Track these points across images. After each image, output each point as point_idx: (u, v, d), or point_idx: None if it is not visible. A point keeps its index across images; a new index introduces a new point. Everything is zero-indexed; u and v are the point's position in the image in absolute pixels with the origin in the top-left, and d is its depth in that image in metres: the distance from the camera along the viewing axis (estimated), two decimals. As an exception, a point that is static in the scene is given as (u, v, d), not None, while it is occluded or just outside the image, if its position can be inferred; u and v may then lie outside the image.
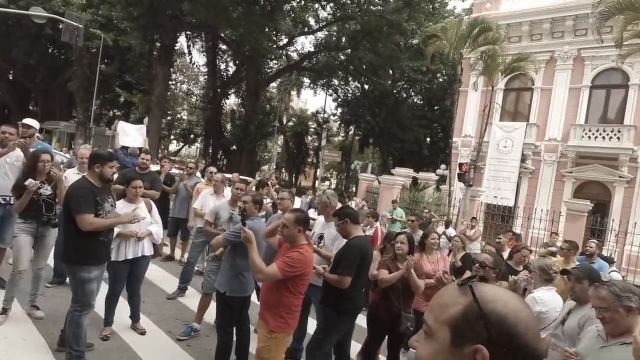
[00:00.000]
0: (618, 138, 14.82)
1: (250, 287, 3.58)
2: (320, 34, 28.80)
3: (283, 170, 45.14)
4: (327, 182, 46.27)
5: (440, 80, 30.03)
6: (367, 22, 22.09)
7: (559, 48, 16.36)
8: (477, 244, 8.02)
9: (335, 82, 32.99)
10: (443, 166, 20.59)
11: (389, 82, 29.81)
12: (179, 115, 39.74)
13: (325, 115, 36.29)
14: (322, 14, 27.35)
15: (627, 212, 13.94)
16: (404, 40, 24.07)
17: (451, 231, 9.24)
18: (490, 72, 13.51)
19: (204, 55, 31.87)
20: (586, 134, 15.46)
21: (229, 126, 34.82)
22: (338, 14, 25.57)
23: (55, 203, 4.04)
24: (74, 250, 3.30)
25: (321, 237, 3.91)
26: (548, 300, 3.18)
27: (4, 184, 4.22)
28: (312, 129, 41.95)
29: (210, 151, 32.04)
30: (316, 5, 26.12)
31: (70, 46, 19.78)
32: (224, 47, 30.73)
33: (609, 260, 6.86)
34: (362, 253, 3.20)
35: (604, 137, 15.10)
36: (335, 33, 27.81)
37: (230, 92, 33.12)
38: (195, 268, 5.81)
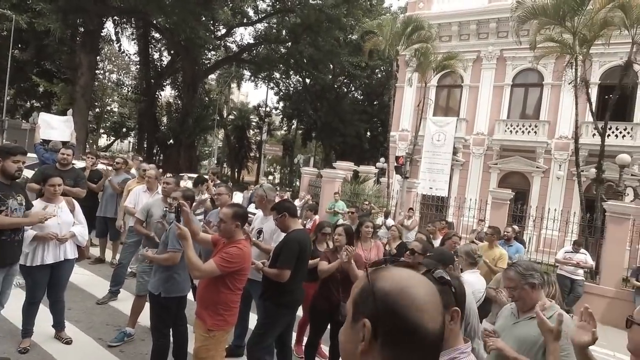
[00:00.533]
0: (535, 132, 16.34)
1: (187, 286, 3.46)
2: (259, 26, 28.31)
3: (225, 165, 44.00)
4: (270, 177, 45.87)
5: (379, 76, 30.97)
6: (307, 16, 22.12)
7: (484, 48, 17.60)
8: (413, 233, 8.44)
9: (277, 75, 32.72)
10: (382, 159, 21.32)
11: (330, 76, 30.17)
12: (108, 108, 37.02)
13: (267, 109, 35.91)
14: (262, 5, 26.92)
15: (543, 200, 15.48)
16: (344, 35, 24.48)
17: (390, 222, 9.63)
18: (423, 69, 14.19)
19: (134, 43, 29.90)
20: (508, 128, 16.86)
21: (165, 119, 33.17)
22: (277, 6, 25.31)
23: None
24: None
25: (260, 231, 3.88)
26: (473, 282, 3.44)
27: None
28: (254, 123, 41.31)
29: (145, 146, 30.28)
30: (255, -4, 25.65)
31: (-25, 28, 17.56)
32: (157, 35, 29.08)
33: (522, 243, 7.58)
34: (301, 246, 3.23)
35: (523, 132, 16.58)
36: (275, 25, 27.50)
37: (165, 84, 31.51)
38: (129, 269, 5.49)
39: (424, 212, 13.93)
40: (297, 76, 32.03)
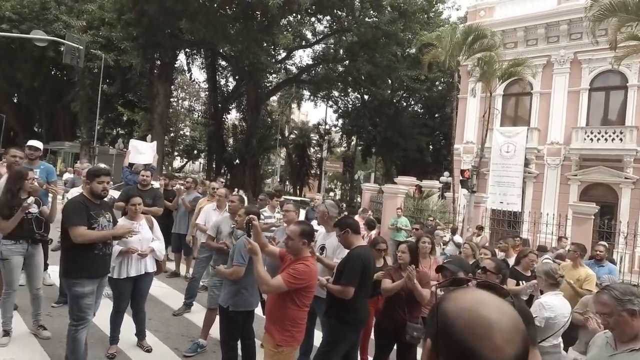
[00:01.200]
0: (621, 139, 14.77)
1: (255, 300, 3.57)
2: (317, 47, 29.14)
3: (287, 183, 45.22)
4: (331, 193, 46.25)
5: (440, 87, 30.19)
6: (363, 34, 22.36)
7: (555, 52, 16.45)
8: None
9: (335, 93, 33.26)
10: (446, 173, 20.56)
11: (388, 91, 30.01)
12: (181, 132, 40.06)
13: (327, 127, 36.50)
14: (319, 27, 27.75)
15: (636, 214, 13.80)
16: (401, 50, 24.31)
17: (458, 238, 9.19)
18: (487, 78, 13.59)
19: (204, 71, 32.26)
20: (588, 136, 15.43)
21: (231, 141, 35.03)
22: (334, 27, 25.90)
23: (44, 220, 4.06)
24: (68, 264, 3.36)
25: (323, 247, 3.91)
26: (556, 305, 3.14)
27: None
28: (314, 141, 42.17)
29: (214, 166, 32.18)
30: (312, 19, 26.50)
31: (73, 68, 20.11)
32: (223, 63, 31.10)
33: (613, 263, 6.72)
34: (364, 263, 3.19)
35: (606, 139, 15.06)
36: (332, 45, 28.13)
37: (231, 107, 33.41)
38: (201, 283, 5.80)
39: (494, 228, 13.12)
40: (356, 93, 32.28)
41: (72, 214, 3.29)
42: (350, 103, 35.08)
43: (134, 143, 7.74)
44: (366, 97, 31.29)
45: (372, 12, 22.69)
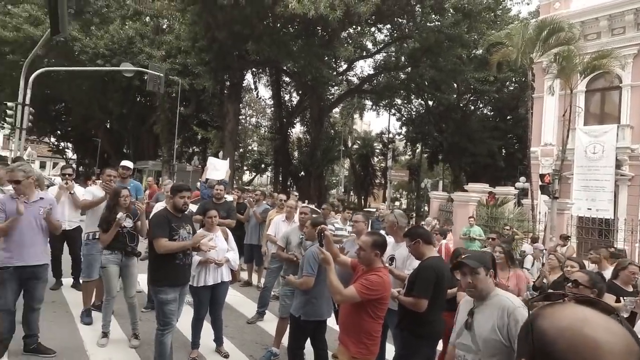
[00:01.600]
0: None
1: (326, 310, 3.59)
2: (378, 56, 29.04)
3: (351, 193, 45.23)
4: (396, 203, 45.29)
5: (511, 88, 28.42)
6: (425, 39, 21.85)
7: (649, 39, 14.70)
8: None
9: (398, 101, 32.77)
10: (522, 179, 19.13)
11: (454, 95, 28.88)
12: (249, 147, 42.10)
13: (390, 136, 36.03)
14: (379, 36, 27.66)
15: None
16: (467, 51, 23.33)
17: (539, 246, 8.48)
18: (567, 74, 12.50)
19: (269, 88, 33.70)
20: (695, 130, 13.48)
21: (296, 154, 36.02)
22: (395, 35, 25.65)
23: (136, 234, 4.46)
24: (153, 272, 3.66)
25: (392, 258, 3.83)
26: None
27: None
28: (377, 150, 41.84)
29: (280, 179, 33.25)
30: (372, 29, 26.51)
31: (154, 94, 22.15)
32: (287, 79, 32.25)
33: None
34: (438, 274, 3.06)
35: None
36: (393, 53, 27.85)
37: (295, 121, 34.40)
38: (272, 293, 5.97)
39: (581, 237, 11.91)
40: (419, 100, 31.53)
41: (156, 227, 3.61)
42: (414, 110, 34.33)
43: (211, 160, 8.27)
44: (430, 102, 30.39)
45: (433, 16, 22.14)
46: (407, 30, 23.83)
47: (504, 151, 30.37)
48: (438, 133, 31.11)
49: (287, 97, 34.27)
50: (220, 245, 4.22)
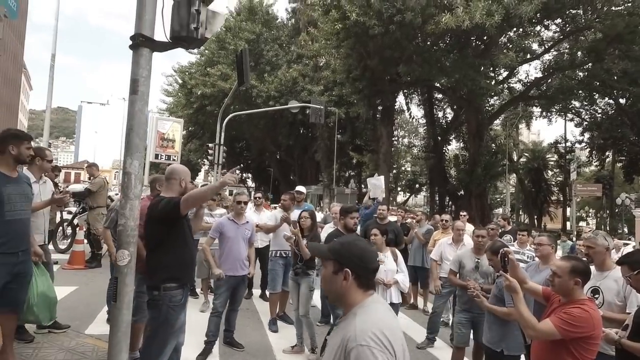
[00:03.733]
0: None
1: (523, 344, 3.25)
2: (547, 56, 25.55)
3: (520, 212, 40.21)
4: (581, 223, 38.07)
5: None
6: (611, 27, 18.27)
7: None
8: None
9: (576, 104, 28.03)
10: None
11: (658, 88, 23.08)
12: (403, 168, 42.02)
13: (568, 144, 30.94)
14: (547, 34, 24.39)
15: None
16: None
17: None
18: None
19: (421, 107, 33.29)
20: None
21: (453, 172, 34.27)
22: (568, 29, 22.26)
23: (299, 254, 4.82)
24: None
25: (596, 291, 3.19)
26: None
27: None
28: (551, 162, 36.39)
29: (437, 198, 31.99)
30: (538, 28, 23.59)
31: (315, 125, 24.45)
32: (439, 95, 31.32)
33: None
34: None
35: None
36: (567, 50, 24.11)
37: (451, 138, 32.93)
38: (440, 319, 5.70)
39: None
40: (606, 99, 26.28)
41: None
42: (599, 112, 28.76)
43: (371, 180, 8.51)
44: (622, 100, 24.98)
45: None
46: (583, 21, 20.44)
47: None
48: (637, 137, 25.21)
49: (440, 114, 33.22)
50: (389, 266, 4.25)
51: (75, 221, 8.46)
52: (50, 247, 5.40)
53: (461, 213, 8.40)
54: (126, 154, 2.61)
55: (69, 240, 8.58)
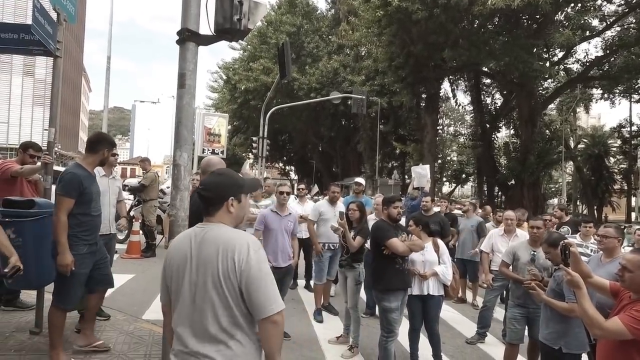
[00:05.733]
0: None
1: (587, 342, 3.04)
2: (609, 33, 23.47)
3: (578, 203, 37.65)
4: (649, 214, 34.98)
5: None
6: (686, -4, 16.44)
7: None
8: None
9: (643, 83, 25.56)
10: None
11: None
12: (448, 157, 40.61)
13: (634, 129, 28.43)
14: (609, 8, 22.36)
15: None
16: None
17: None
18: None
19: (467, 94, 31.84)
20: None
21: (502, 161, 32.65)
22: (634, 1, 20.29)
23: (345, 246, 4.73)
24: (376, 279, 3.86)
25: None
26: None
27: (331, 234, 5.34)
28: (614, 148, 33.64)
29: (485, 189, 30.66)
30: (599, 2, 21.69)
31: (357, 115, 24.15)
32: (487, 80, 29.82)
33: None
34: None
35: None
36: (633, 24, 22.00)
37: (500, 125, 31.33)
38: (492, 313, 5.47)
39: None
40: (683, 75, 23.71)
41: (384, 231, 3.85)
42: (674, 90, 26.08)
43: (415, 169, 8.27)
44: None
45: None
46: (653, -10, 18.55)
47: None
48: None
49: (488, 100, 31.62)
50: (429, 257, 4.11)
51: (132, 213, 8.98)
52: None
53: (521, 210, 6.74)
54: (175, 146, 2.71)
55: (126, 231, 9.14)
